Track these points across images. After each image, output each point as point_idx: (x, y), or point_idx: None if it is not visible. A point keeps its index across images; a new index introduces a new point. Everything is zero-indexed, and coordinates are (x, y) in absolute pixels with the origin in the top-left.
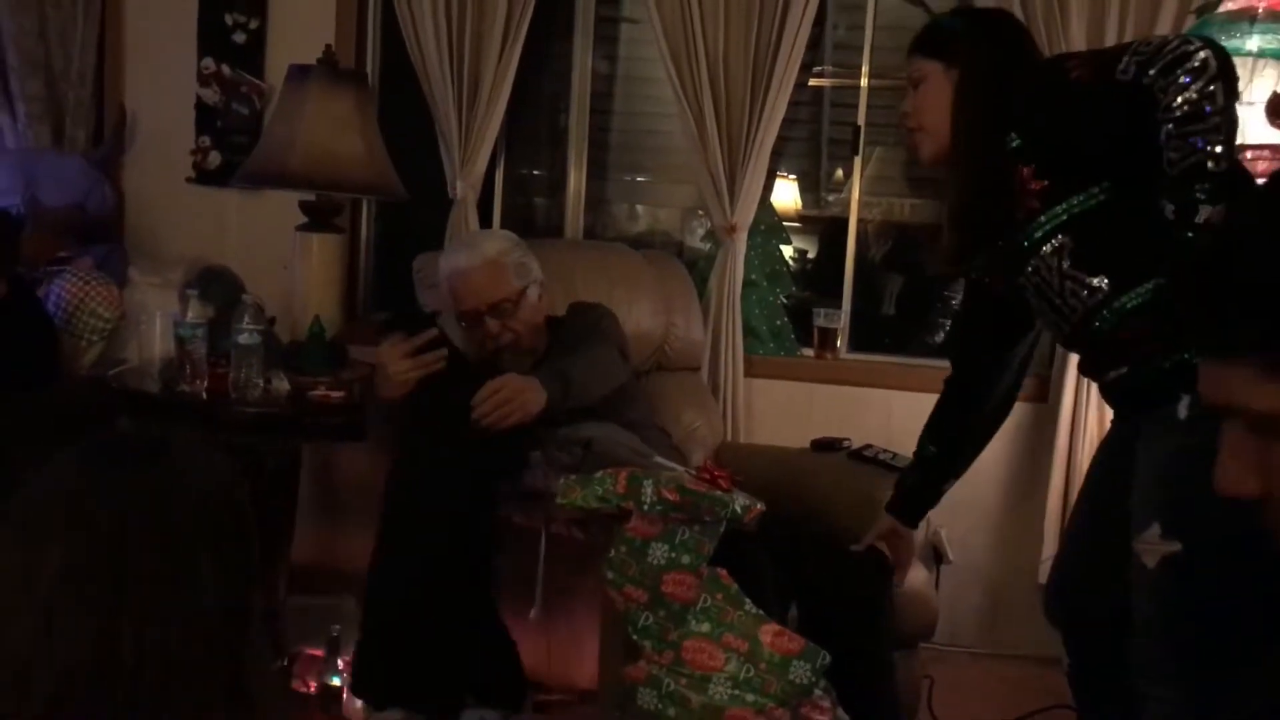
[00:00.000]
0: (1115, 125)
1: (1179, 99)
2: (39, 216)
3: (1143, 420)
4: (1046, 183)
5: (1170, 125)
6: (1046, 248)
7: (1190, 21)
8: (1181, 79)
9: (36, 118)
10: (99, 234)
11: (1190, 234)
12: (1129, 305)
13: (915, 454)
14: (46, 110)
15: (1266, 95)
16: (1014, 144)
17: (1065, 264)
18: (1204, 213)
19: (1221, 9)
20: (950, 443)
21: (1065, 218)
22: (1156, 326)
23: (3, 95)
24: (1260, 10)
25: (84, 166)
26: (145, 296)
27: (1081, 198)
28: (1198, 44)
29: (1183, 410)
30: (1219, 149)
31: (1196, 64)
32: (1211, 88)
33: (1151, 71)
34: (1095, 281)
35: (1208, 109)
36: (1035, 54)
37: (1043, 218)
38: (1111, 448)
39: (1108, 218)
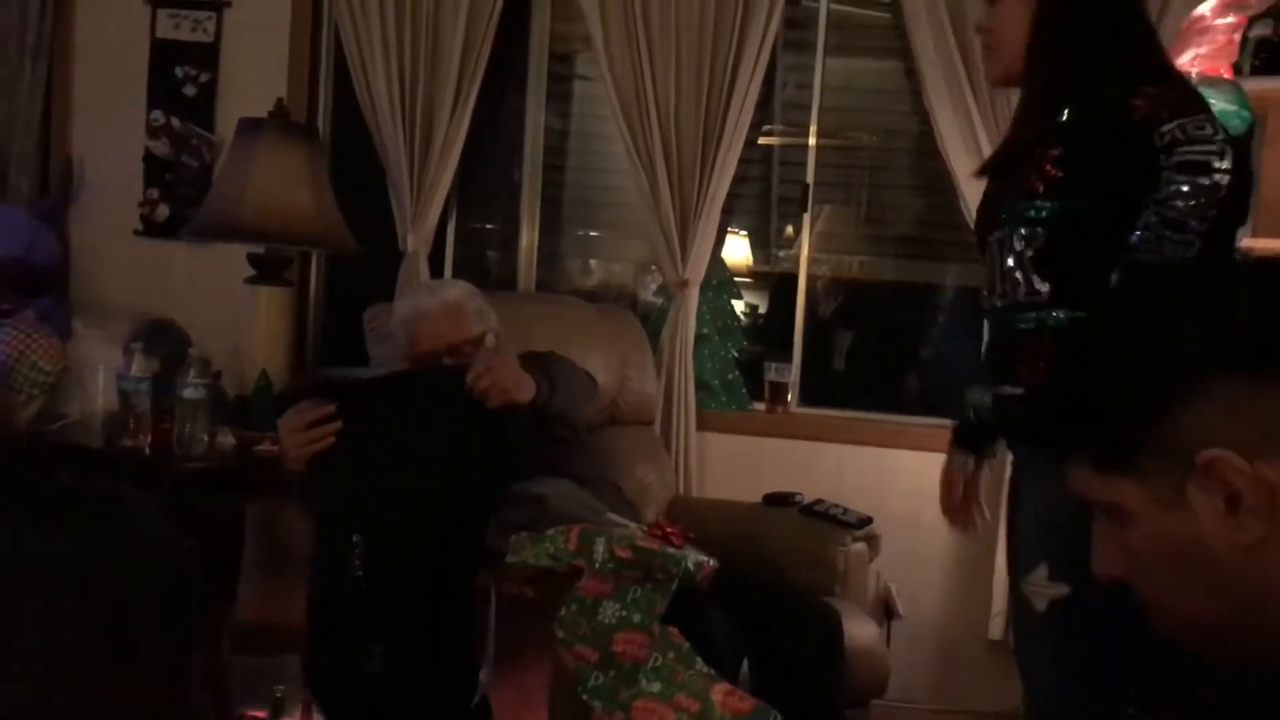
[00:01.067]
0: (1130, 177)
1: (1175, 202)
2: None
3: (1022, 456)
4: (1061, 175)
5: (1153, 215)
6: (1023, 230)
7: None
8: (1184, 186)
9: None
10: (43, 286)
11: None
12: (1051, 321)
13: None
14: None
15: None
16: (1063, 119)
17: (1028, 253)
18: None
19: None
20: None
21: (1055, 217)
22: (1059, 358)
23: None
24: (1194, 75)
25: (28, 217)
26: (89, 349)
27: (1083, 207)
28: (1225, 163)
29: None
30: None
31: (1207, 182)
32: (1209, 209)
33: (1173, 159)
34: (1039, 285)
35: (1192, 224)
36: (1136, 12)
37: (1039, 203)
38: (1012, 491)
39: (1085, 235)
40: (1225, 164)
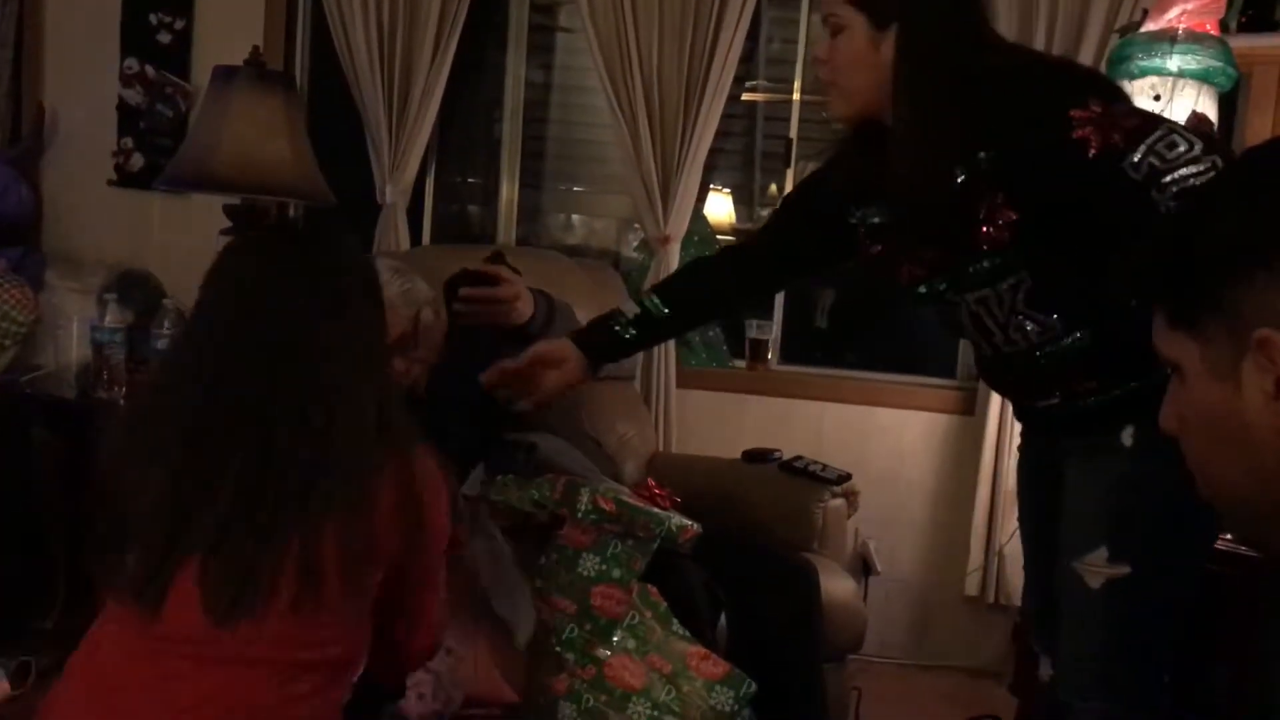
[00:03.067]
0: (1117, 215)
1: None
2: None
3: (1074, 443)
4: (1016, 216)
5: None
6: (1005, 283)
7: (1114, 41)
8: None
9: None
10: (14, 236)
11: (1103, 339)
12: (1071, 345)
13: (642, 307)
14: None
15: (1186, 114)
16: (983, 160)
17: (1020, 300)
18: (1125, 335)
19: (1143, 30)
20: (683, 305)
21: (1031, 257)
22: (1091, 368)
23: None
24: (1180, 31)
25: (0, 167)
26: (62, 300)
27: (1057, 235)
28: (1220, 161)
29: (1127, 439)
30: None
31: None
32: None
33: (1167, 193)
34: (1046, 320)
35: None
36: (986, 27)
37: (1008, 251)
38: (1036, 468)
39: (1069, 258)
40: (1221, 161)
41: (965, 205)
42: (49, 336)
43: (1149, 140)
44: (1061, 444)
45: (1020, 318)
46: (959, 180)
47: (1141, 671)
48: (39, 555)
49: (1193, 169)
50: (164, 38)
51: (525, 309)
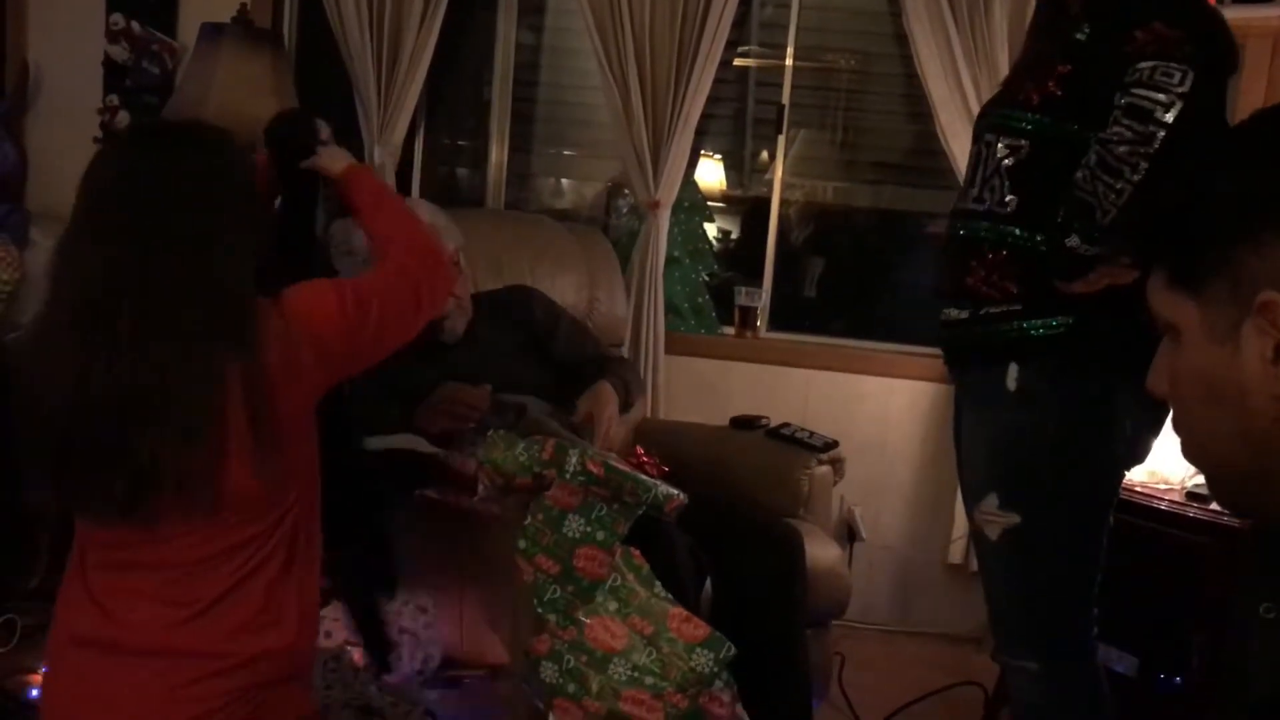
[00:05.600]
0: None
1: (1113, 145)
2: None
3: (967, 381)
4: (1060, 94)
5: (1094, 154)
6: (1008, 139)
7: None
8: (1125, 130)
9: None
10: (0, 193)
11: (1050, 247)
12: (1010, 237)
13: None
14: None
15: None
16: (1080, 35)
17: (1007, 162)
18: (1072, 241)
19: None
20: None
21: (1039, 133)
22: (1014, 268)
23: None
24: None
25: None
26: (47, 258)
27: (1068, 131)
28: (1168, 116)
29: (1011, 381)
30: (1109, 209)
31: (1143, 129)
32: (1141, 160)
33: (1124, 99)
34: (1008, 197)
35: (1125, 170)
36: None
37: (1029, 115)
38: (956, 422)
39: (1064, 160)
40: (1168, 116)
41: (1047, 56)
42: (34, 295)
43: (1161, 62)
44: (961, 385)
45: (995, 178)
46: (1078, 38)
47: (1058, 625)
48: (20, 514)
49: (1150, 94)
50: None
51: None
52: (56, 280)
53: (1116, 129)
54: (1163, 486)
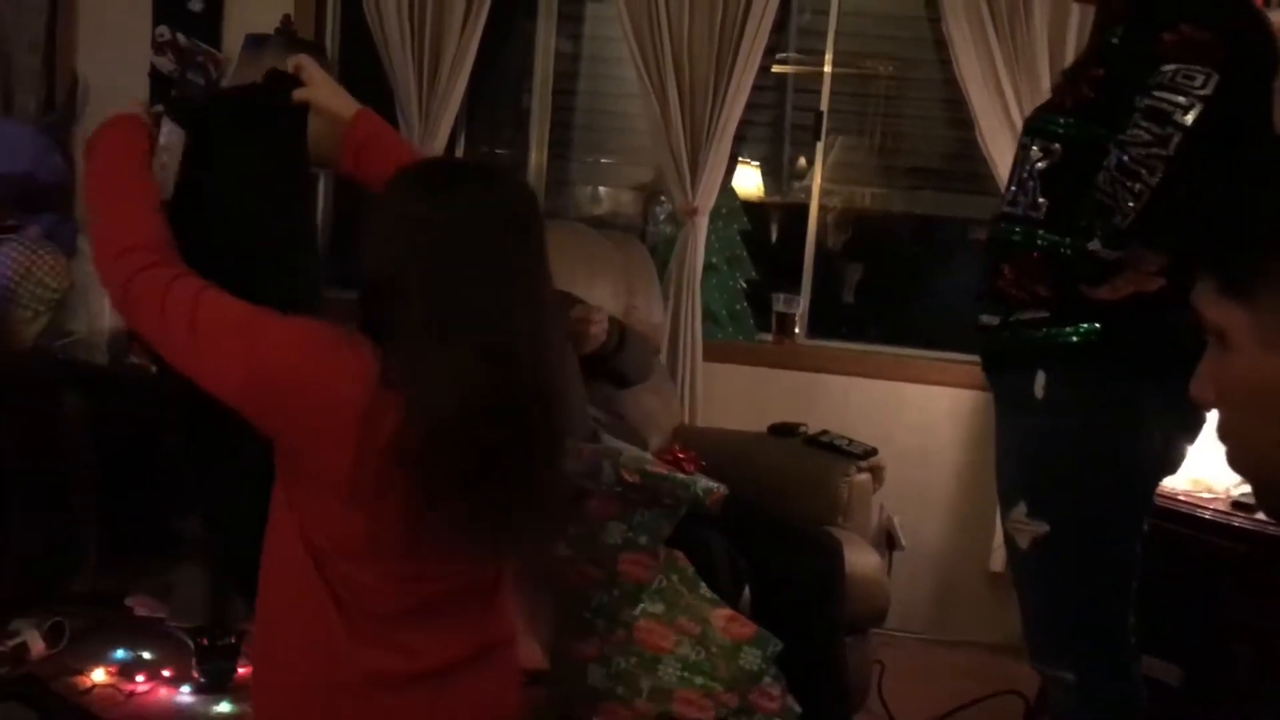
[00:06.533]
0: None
1: (1131, 147)
2: None
3: (999, 387)
4: (1093, 96)
5: (1114, 156)
6: (1042, 142)
7: None
8: (1142, 132)
9: None
10: (48, 203)
11: (1075, 251)
12: (1040, 240)
13: None
14: None
15: None
16: (1114, 38)
17: (1040, 165)
18: (1094, 245)
19: None
20: None
21: (1072, 136)
22: (1046, 272)
23: None
24: None
25: (34, 134)
26: (94, 267)
27: (1100, 134)
28: (1187, 118)
29: (1039, 390)
30: (1128, 212)
31: (1160, 131)
32: (1158, 163)
33: (1144, 101)
34: (1039, 200)
35: (1142, 173)
36: None
37: (1062, 119)
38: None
39: (1092, 162)
40: (1187, 119)
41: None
42: (81, 303)
43: (1185, 65)
44: (994, 388)
45: (1030, 181)
46: (1112, 41)
47: (1091, 634)
48: (69, 519)
49: (1170, 97)
50: (195, 6)
51: (599, 334)
52: (452, 315)
53: (1135, 131)
54: (1207, 495)
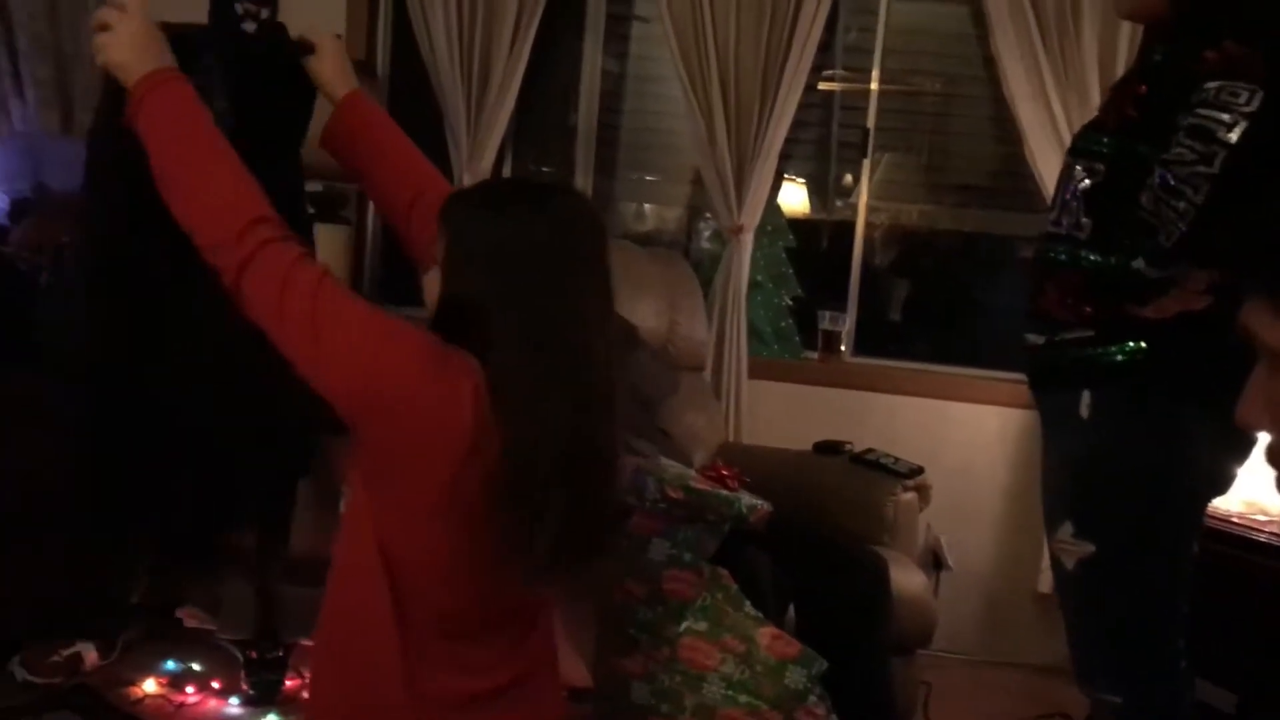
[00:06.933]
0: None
1: (1175, 166)
2: (45, 201)
3: (1044, 406)
4: (1135, 114)
5: (1157, 175)
6: (1085, 162)
7: None
8: (1186, 151)
9: (46, 103)
10: None
11: (1120, 270)
12: (1084, 261)
13: None
14: (56, 95)
15: None
16: (1157, 56)
17: (1083, 185)
18: (1138, 264)
19: None
20: None
21: (1114, 155)
22: (1090, 291)
23: (13, 80)
24: None
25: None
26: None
27: (1143, 152)
28: (1231, 135)
29: (1084, 409)
30: (1173, 231)
31: (1203, 149)
32: (1202, 181)
33: (1188, 119)
34: (1083, 220)
35: (1187, 192)
36: None
37: (1105, 138)
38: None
39: (1136, 182)
40: (1231, 136)
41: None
42: None
43: (1229, 81)
44: (1041, 407)
45: (1072, 200)
46: (1155, 58)
47: (1138, 658)
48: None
49: (1214, 114)
50: (249, 26)
51: None
52: (534, 335)
53: (1178, 149)
54: (1262, 518)
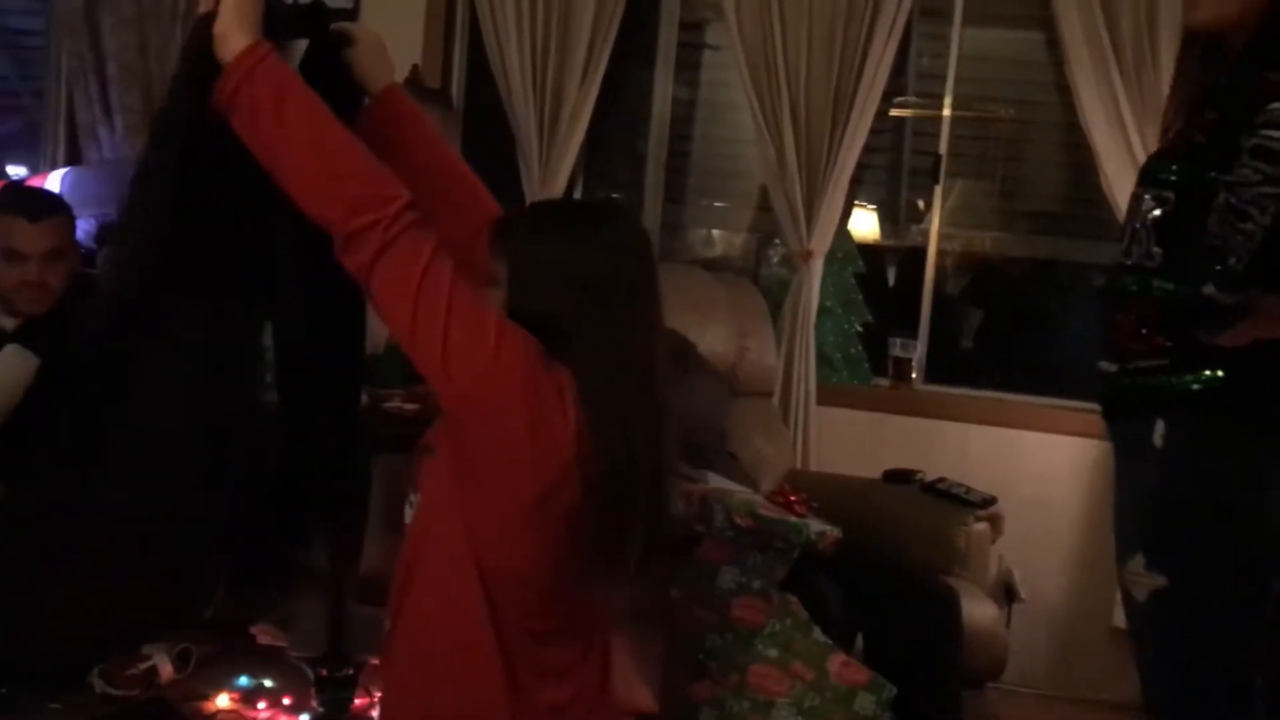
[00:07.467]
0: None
1: (1240, 188)
2: None
3: (1117, 436)
4: (1204, 142)
5: (1222, 198)
6: (1154, 191)
7: None
8: (1252, 172)
9: (133, 130)
10: None
11: (1191, 297)
12: (1156, 290)
13: None
14: (143, 122)
15: None
16: (1224, 80)
17: (1153, 214)
18: (1209, 290)
19: None
20: None
21: (1183, 183)
22: (1162, 321)
23: (102, 108)
24: None
25: None
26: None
27: (1212, 179)
28: None
29: (1157, 438)
30: (1241, 254)
31: (1270, 169)
32: (1269, 203)
33: (1252, 140)
34: (1154, 249)
35: (1254, 213)
36: None
37: (1173, 166)
38: None
39: (1206, 206)
40: None
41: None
42: None
43: None
44: (1113, 437)
45: (1141, 230)
46: (1222, 83)
47: (1210, 696)
48: (200, 549)
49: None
50: None
51: None
52: (612, 350)
53: (1243, 171)
54: None
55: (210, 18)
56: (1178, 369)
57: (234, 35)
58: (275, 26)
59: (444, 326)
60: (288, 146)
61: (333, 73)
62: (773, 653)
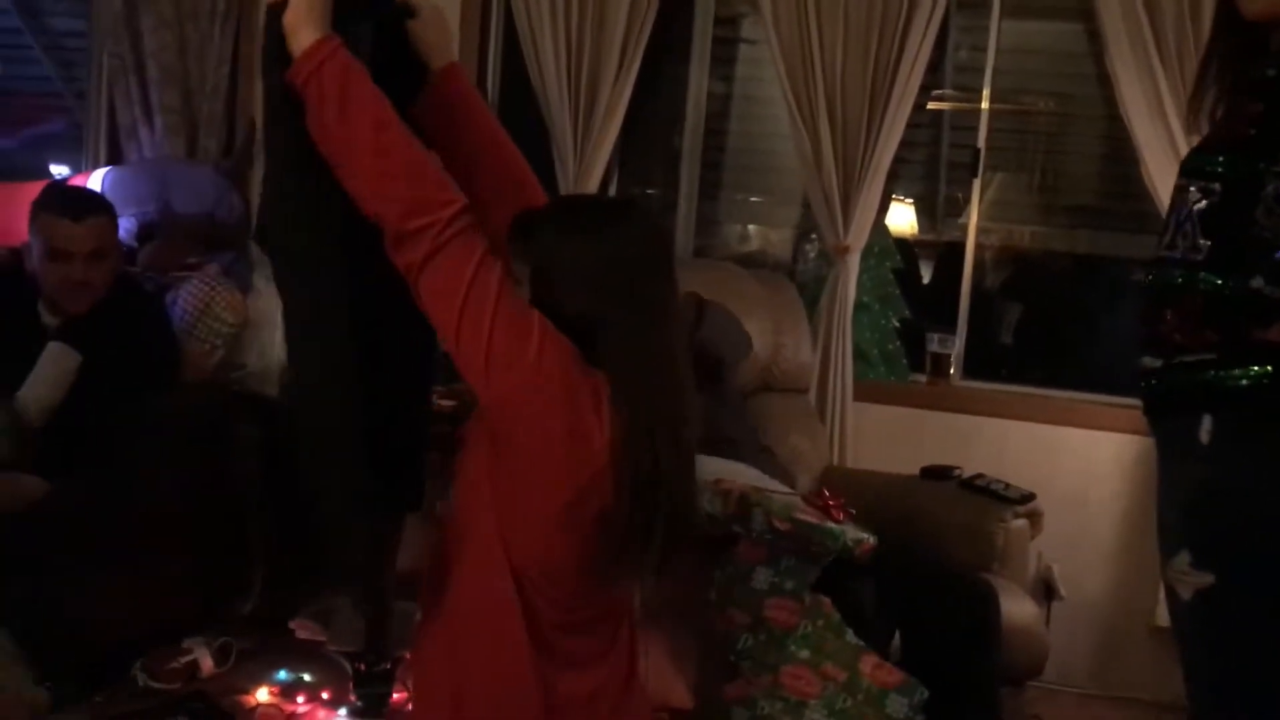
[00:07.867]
0: None
1: None
2: (171, 223)
3: (1161, 432)
4: (1252, 133)
5: (1271, 186)
6: (1200, 183)
7: None
8: None
9: (173, 129)
10: (226, 242)
11: (1239, 291)
12: (1203, 284)
13: None
14: (182, 122)
15: None
16: (1271, 72)
17: (1199, 206)
18: (1257, 283)
19: None
20: None
21: (1230, 175)
22: (1209, 323)
23: (143, 108)
24: None
25: (214, 177)
26: (268, 304)
27: (1261, 169)
28: None
29: (1204, 435)
30: None
31: None
32: None
33: None
34: (1200, 242)
35: None
36: None
37: (1219, 158)
38: None
39: (1255, 198)
40: None
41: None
42: (254, 338)
43: None
44: (1156, 436)
45: (1187, 223)
46: (1269, 74)
47: (1257, 698)
48: (242, 545)
49: None
50: None
51: None
52: (641, 346)
53: None
54: None
55: (279, 7)
56: (1225, 364)
57: (303, 29)
58: (343, 4)
59: (488, 334)
60: (350, 143)
61: (397, 47)
62: (805, 654)
